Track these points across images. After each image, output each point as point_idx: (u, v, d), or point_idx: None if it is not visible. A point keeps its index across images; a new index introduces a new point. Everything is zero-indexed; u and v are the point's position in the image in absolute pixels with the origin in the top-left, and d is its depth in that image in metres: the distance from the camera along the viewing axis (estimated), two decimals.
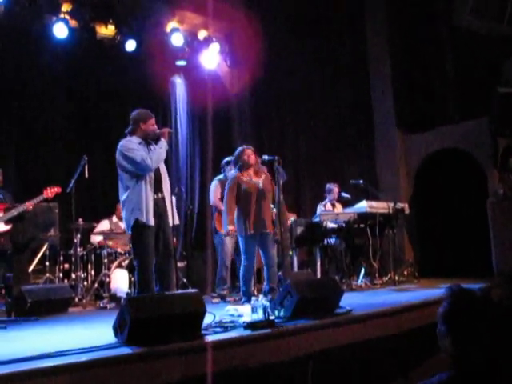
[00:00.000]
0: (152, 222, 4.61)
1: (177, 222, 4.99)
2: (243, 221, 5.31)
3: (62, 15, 7.72)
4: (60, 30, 7.69)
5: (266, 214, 5.29)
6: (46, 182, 6.31)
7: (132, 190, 4.62)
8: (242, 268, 5.38)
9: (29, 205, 5.87)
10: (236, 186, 5.37)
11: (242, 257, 5.39)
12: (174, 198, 4.97)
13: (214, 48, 9.26)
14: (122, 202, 4.72)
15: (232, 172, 5.56)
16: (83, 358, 2.78)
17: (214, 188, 6.66)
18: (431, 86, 8.71)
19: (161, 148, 4.67)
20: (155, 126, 4.82)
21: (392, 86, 8.85)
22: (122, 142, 4.73)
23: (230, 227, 5.38)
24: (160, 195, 4.74)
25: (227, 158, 6.60)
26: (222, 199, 6.40)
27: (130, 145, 4.67)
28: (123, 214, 4.73)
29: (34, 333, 4.21)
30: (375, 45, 9.04)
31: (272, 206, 5.50)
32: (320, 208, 7.74)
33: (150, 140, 4.74)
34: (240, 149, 5.53)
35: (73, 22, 7.89)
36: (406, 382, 4.13)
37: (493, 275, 7.06)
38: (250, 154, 5.44)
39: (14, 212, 5.79)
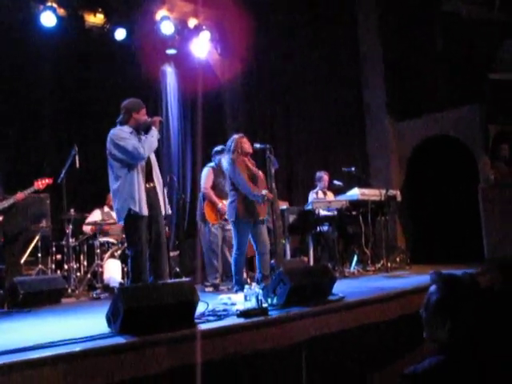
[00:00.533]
0: (145, 211, 4.61)
1: (169, 211, 4.99)
2: (241, 207, 5.28)
3: (49, 3, 7.62)
4: (47, 19, 7.60)
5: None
6: (37, 173, 6.29)
7: (124, 180, 4.61)
8: (233, 256, 5.38)
9: (20, 196, 5.84)
10: (241, 168, 5.30)
11: (234, 244, 5.39)
12: (165, 188, 4.96)
13: (205, 36, 9.20)
14: (114, 192, 4.71)
15: (231, 156, 5.46)
16: (77, 348, 2.78)
17: (207, 173, 6.52)
18: (422, 72, 8.71)
19: (152, 137, 4.65)
20: (145, 116, 4.80)
21: (383, 73, 8.85)
22: (113, 131, 4.71)
23: (264, 192, 5.19)
24: (151, 184, 4.74)
25: (218, 147, 6.58)
26: (213, 188, 6.39)
27: (122, 134, 4.66)
28: (115, 204, 4.72)
29: (26, 324, 4.20)
30: (366, 32, 9.02)
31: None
32: (312, 196, 7.76)
33: (141, 130, 4.73)
34: (236, 136, 5.50)
35: (60, 11, 7.80)
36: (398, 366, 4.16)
37: (484, 261, 7.12)
38: (245, 142, 5.43)
39: (5, 204, 5.76)
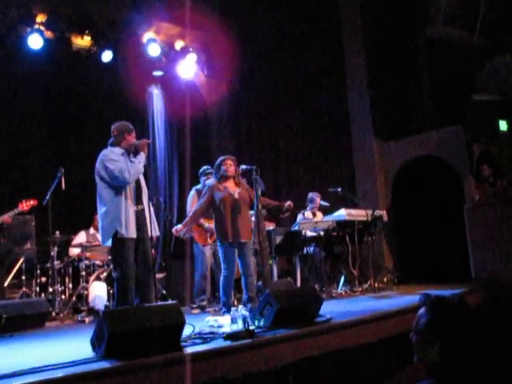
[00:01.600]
0: (132, 234, 4.59)
1: (157, 233, 4.98)
2: (220, 230, 5.30)
3: (36, 26, 7.65)
4: (35, 41, 7.61)
5: (242, 224, 5.29)
6: (22, 195, 6.23)
7: (111, 202, 4.60)
8: (222, 278, 5.35)
9: (6, 218, 5.78)
10: (210, 196, 5.36)
11: (222, 267, 5.36)
12: (152, 209, 4.94)
13: (191, 58, 9.27)
14: (101, 215, 4.69)
15: (209, 181, 5.56)
16: (59, 373, 2.72)
17: (191, 198, 6.62)
18: (407, 94, 8.83)
19: (140, 163, 4.66)
20: (134, 138, 4.82)
21: (369, 94, 8.93)
22: (104, 152, 4.73)
23: (179, 227, 5.45)
24: (140, 207, 4.72)
25: (204, 167, 6.61)
26: None
27: (112, 155, 4.67)
28: (100, 225, 4.70)
29: (8, 349, 4.13)
30: (352, 54, 9.12)
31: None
32: (299, 216, 7.76)
33: (131, 152, 4.74)
34: (220, 159, 5.53)
35: (48, 33, 7.83)
36: None
37: (471, 280, 7.14)
38: (229, 165, 5.43)
39: None
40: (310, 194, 7.87)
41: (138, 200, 4.72)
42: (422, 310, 2.01)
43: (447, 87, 8.13)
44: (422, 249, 8.14)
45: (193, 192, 6.66)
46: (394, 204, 8.76)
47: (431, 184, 8.15)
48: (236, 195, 5.35)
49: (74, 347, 3.74)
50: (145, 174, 4.93)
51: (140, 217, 4.68)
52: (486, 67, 7.82)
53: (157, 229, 4.96)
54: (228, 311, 4.92)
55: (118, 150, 4.75)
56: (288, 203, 5.55)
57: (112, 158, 4.64)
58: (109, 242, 4.65)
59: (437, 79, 8.44)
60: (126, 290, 4.56)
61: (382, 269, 7.91)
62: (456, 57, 7.95)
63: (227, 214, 5.28)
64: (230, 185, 5.42)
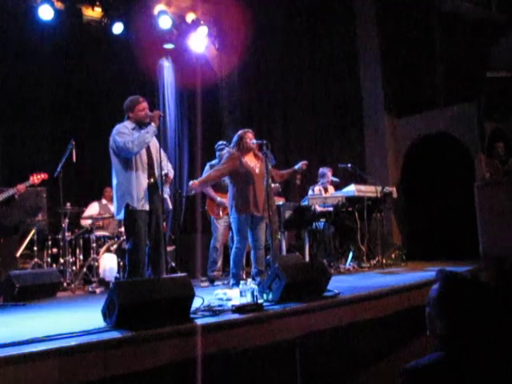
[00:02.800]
0: (143, 206, 4.64)
1: (170, 207, 5.02)
2: (239, 202, 5.31)
3: None
4: (45, 12, 7.58)
5: (259, 198, 5.31)
6: (34, 168, 6.27)
7: (122, 175, 4.67)
8: (234, 250, 5.41)
9: (20, 187, 5.83)
10: (231, 165, 5.35)
11: (235, 238, 5.42)
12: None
13: (202, 31, 9.19)
14: (114, 187, 4.77)
15: (230, 150, 5.54)
16: (72, 342, 2.78)
17: (206, 172, 6.61)
18: (420, 70, 8.71)
19: (147, 133, 4.66)
20: (145, 111, 4.81)
21: (381, 70, 8.84)
22: (117, 126, 4.80)
23: (195, 182, 5.44)
24: (152, 180, 4.74)
25: (220, 142, 6.63)
26: (213, 186, 6.43)
27: (122, 129, 4.73)
28: (114, 198, 4.76)
29: (22, 318, 4.20)
30: (364, 29, 9.00)
31: None
32: (310, 191, 7.75)
33: (143, 125, 4.75)
34: (242, 131, 5.53)
35: (58, 4, 7.79)
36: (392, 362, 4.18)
37: (479, 258, 7.15)
38: (251, 138, 5.44)
39: (1, 197, 5.74)
40: (321, 169, 7.84)
41: (150, 173, 4.75)
42: (435, 284, 2.03)
43: (460, 63, 8.02)
44: (430, 226, 8.13)
45: (207, 168, 6.66)
46: (404, 181, 8.74)
47: (441, 161, 8.11)
48: (257, 169, 5.37)
49: (86, 317, 3.80)
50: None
51: (152, 190, 4.72)
52: (500, 43, 7.69)
53: (169, 203, 5.00)
54: (237, 283, 4.97)
55: (129, 125, 4.79)
56: (301, 163, 5.57)
57: (122, 131, 4.70)
58: (121, 215, 4.71)
59: (450, 55, 8.32)
60: (137, 261, 4.63)
61: (391, 245, 7.93)
62: (470, 32, 7.82)
63: (249, 187, 5.30)
64: (250, 158, 5.44)
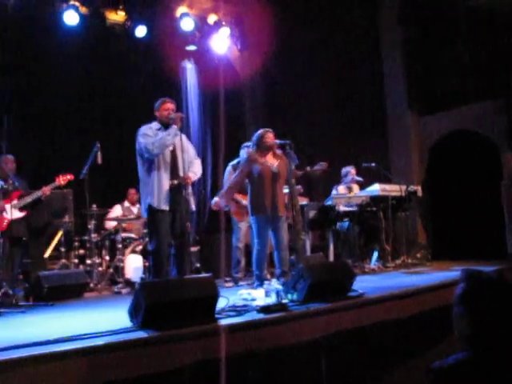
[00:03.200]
0: (165, 206, 4.69)
1: (193, 208, 5.05)
2: (257, 203, 5.31)
3: (72, 2, 7.71)
4: (70, 17, 7.69)
5: (278, 198, 5.30)
6: (60, 169, 6.36)
7: (146, 175, 4.76)
8: (254, 251, 5.40)
9: (45, 189, 5.93)
10: (250, 166, 5.36)
11: (255, 240, 5.41)
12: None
13: (224, 32, 9.21)
14: (140, 187, 4.85)
15: (248, 151, 5.55)
16: (99, 341, 2.82)
17: (228, 175, 6.64)
18: (445, 66, 8.58)
19: (168, 135, 4.70)
20: (168, 111, 4.87)
21: (404, 66, 8.75)
22: (142, 127, 4.87)
23: (216, 199, 5.46)
24: (176, 181, 4.78)
25: (246, 143, 6.66)
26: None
27: (146, 130, 4.81)
28: (141, 197, 4.86)
29: (51, 317, 4.29)
30: (388, 23, 8.91)
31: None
32: (333, 191, 7.72)
33: (168, 126, 4.81)
34: (262, 131, 5.53)
35: (83, 9, 7.89)
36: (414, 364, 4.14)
37: (507, 258, 7.03)
38: (271, 137, 5.44)
39: (29, 199, 5.85)
40: (344, 168, 7.81)
41: (173, 174, 4.79)
42: (460, 284, 2.02)
43: (488, 59, 7.88)
44: (456, 225, 8.02)
45: (229, 168, 6.69)
46: (429, 179, 8.64)
47: (468, 159, 7.98)
48: (275, 168, 5.36)
49: (112, 317, 3.85)
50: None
51: (175, 191, 4.75)
52: None
53: (192, 204, 5.03)
54: (261, 285, 4.98)
55: (155, 125, 4.89)
56: (322, 164, 5.58)
57: (145, 132, 4.78)
58: (145, 214, 4.79)
59: (477, 50, 8.18)
60: (160, 262, 4.69)
61: (416, 245, 7.85)
62: (498, 27, 7.67)
63: (266, 187, 5.29)
64: (269, 158, 5.43)
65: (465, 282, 1.98)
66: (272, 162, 5.41)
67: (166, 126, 4.82)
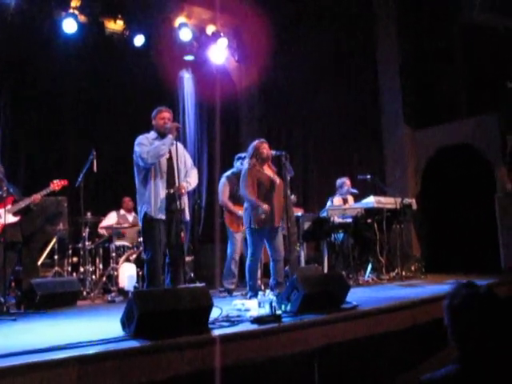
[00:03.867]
0: (161, 215, 4.68)
1: (187, 218, 5.03)
2: (253, 213, 5.29)
3: (71, 10, 7.75)
4: (69, 26, 7.72)
5: (276, 208, 5.29)
6: (55, 177, 6.34)
7: (142, 184, 4.77)
8: (248, 262, 5.38)
9: (36, 197, 5.90)
10: (255, 175, 5.33)
11: (249, 250, 5.39)
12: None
13: (222, 43, 9.25)
14: (137, 196, 4.84)
15: (247, 162, 5.51)
16: (91, 350, 2.80)
17: (222, 187, 6.64)
18: (440, 81, 8.66)
19: (163, 144, 4.70)
20: (164, 120, 4.87)
21: (400, 81, 8.81)
22: (139, 137, 4.86)
23: (265, 206, 5.21)
24: (172, 191, 4.77)
25: (241, 154, 6.66)
26: (230, 197, 6.44)
27: (142, 139, 4.82)
28: (137, 206, 4.85)
29: (42, 325, 4.24)
30: (384, 39, 8.99)
31: None
32: (329, 203, 7.72)
33: (164, 135, 4.81)
34: (257, 142, 5.51)
35: (82, 18, 7.92)
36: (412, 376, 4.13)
37: (500, 272, 7.04)
38: (267, 148, 5.43)
39: (22, 204, 5.82)
40: (339, 180, 7.81)
41: (169, 183, 4.78)
42: (448, 295, 2.02)
43: (482, 74, 7.95)
44: (450, 238, 8.04)
45: (223, 180, 6.68)
46: (424, 192, 8.66)
47: (462, 173, 8.02)
48: (274, 179, 5.35)
49: (105, 326, 3.82)
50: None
51: (171, 200, 4.74)
52: None
53: (187, 213, 4.99)
54: (255, 295, 4.97)
55: (151, 135, 4.89)
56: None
57: (141, 142, 4.79)
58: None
59: (471, 65, 8.25)
60: (154, 271, 4.67)
61: (410, 257, 7.85)
62: (492, 43, 7.75)
63: (266, 198, 5.28)
64: (266, 169, 5.43)
65: (453, 293, 1.98)
66: (269, 172, 5.41)
67: (162, 135, 4.82)
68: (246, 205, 5.44)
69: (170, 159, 4.82)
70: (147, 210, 4.69)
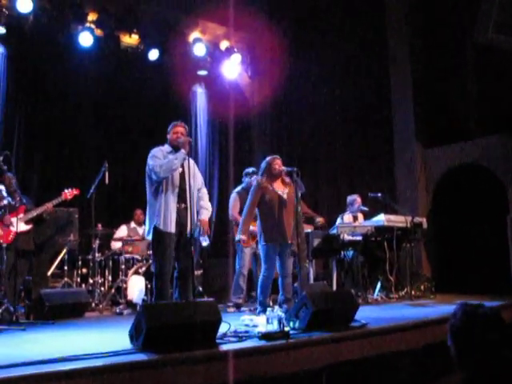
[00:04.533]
0: (171, 229, 4.69)
1: (196, 233, 5.02)
2: (265, 230, 5.30)
3: (87, 24, 7.87)
4: (85, 39, 7.84)
5: (287, 225, 5.30)
6: (67, 188, 6.39)
7: (153, 197, 4.79)
8: (261, 277, 5.37)
9: (48, 206, 5.96)
10: (260, 194, 5.36)
11: (263, 266, 5.37)
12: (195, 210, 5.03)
13: (236, 58, 9.33)
14: (147, 208, 4.86)
15: (258, 179, 5.54)
16: (99, 362, 2.81)
17: (233, 202, 6.67)
18: (453, 100, 8.65)
19: (176, 159, 4.73)
20: (177, 134, 4.91)
21: (413, 99, 8.81)
22: (153, 149, 4.90)
23: (243, 237, 5.39)
24: (183, 205, 4.79)
25: (249, 169, 6.68)
26: (240, 212, 6.45)
27: (156, 152, 4.86)
28: (146, 218, 4.86)
29: (51, 336, 4.27)
30: (397, 57, 9.02)
31: None
32: (339, 220, 7.71)
33: (177, 149, 4.85)
34: (270, 158, 5.54)
35: (98, 31, 8.04)
36: None
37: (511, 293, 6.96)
38: (279, 165, 5.45)
39: (34, 213, 5.87)
40: (350, 197, 7.80)
41: (180, 198, 4.80)
42: (453, 316, 2.00)
43: (495, 94, 7.95)
44: (461, 258, 7.97)
45: (234, 195, 6.71)
46: (435, 211, 8.62)
47: (473, 193, 7.97)
48: (285, 195, 5.37)
49: (113, 338, 3.83)
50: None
51: (182, 215, 4.76)
52: None
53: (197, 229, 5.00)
54: (264, 311, 4.95)
55: (166, 148, 4.93)
56: (319, 219, 5.56)
57: (155, 154, 4.82)
58: (150, 235, 4.78)
59: (485, 85, 8.24)
60: (163, 284, 4.67)
61: (420, 277, 7.78)
62: (505, 63, 7.76)
63: (275, 214, 5.28)
64: (277, 185, 5.44)
65: (456, 313, 1.96)
66: (281, 188, 5.43)
67: (176, 149, 4.86)
68: (258, 219, 5.45)
69: (182, 173, 4.85)
70: (157, 222, 4.70)
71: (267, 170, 5.43)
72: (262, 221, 5.36)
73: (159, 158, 4.78)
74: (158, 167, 4.69)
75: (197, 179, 5.02)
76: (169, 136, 4.97)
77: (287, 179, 5.49)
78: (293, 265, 5.43)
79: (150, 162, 4.79)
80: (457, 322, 1.94)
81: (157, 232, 4.71)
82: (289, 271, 5.35)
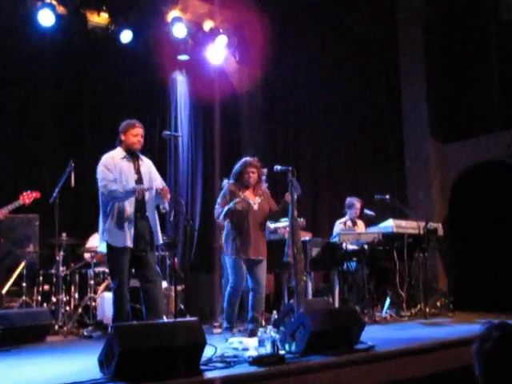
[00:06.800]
0: (125, 243, 4.78)
1: (159, 241, 5.09)
2: (232, 241, 5.42)
3: (48, 0, 7.81)
4: (45, 17, 7.77)
5: (257, 239, 5.38)
6: (26, 189, 6.34)
7: (106, 210, 4.82)
8: (228, 289, 5.48)
9: (2, 212, 5.91)
10: (229, 200, 5.43)
11: (230, 278, 5.47)
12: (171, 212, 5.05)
13: (221, 41, 9.32)
14: (100, 218, 4.89)
15: (229, 183, 5.62)
16: None
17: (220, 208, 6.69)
18: (473, 90, 8.68)
19: (121, 193, 4.79)
20: (137, 137, 4.93)
21: (427, 88, 8.85)
22: (104, 156, 4.91)
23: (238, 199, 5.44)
24: (140, 216, 4.84)
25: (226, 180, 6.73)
26: None
27: (107, 161, 4.92)
28: (99, 230, 4.92)
29: (6, 365, 4.23)
30: (407, 42, 9.06)
31: (285, 220, 5.54)
32: (339, 226, 7.73)
33: (133, 154, 4.86)
34: (242, 163, 5.61)
35: (60, 9, 7.97)
36: None
37: None
38: (252, 173, 5.50)
39: None
40: (349, 199, 7.84)
41: (139, 208, 4.86)
42: (479, 339, 2.00)
43: None
44: (483, 269, 8.02)
45: (217, 207, 6.75)
46: (452, 216, 8.67)
47: (496, 194, 8.02)
48: (256, 206, 5.43)
49: (79, 366, 3.82)
50: (163, 172, 5.08)
51: (140, 226, 4.83)
52: None
53: (159, 236, 5.06)
54: (230, 328, 5.07)
55: (118, 153, 4.96)
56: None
57: (106, 165, 4.90)
58: (102, 247, 4.95)
59: (508, 72, 8.30)
60: (120, 299, 4.83)
61: (435, 291, 7.83)
62: None
63: (244, 226, 5.41)
64: (249, 193, 5.50)
65: (484, 336, 1.96)
66: (252, 198, 5.50)
67: (131, 153, 4.87)
68: (225, 229, 5.55)
69: (138, 180, 4.89)
70: (110, 237, 4.79)
71: (239, 176, 5.50)
72: (229, 233, 5.51)
73: (109, 170, 4.83)
74: (103, 187, 4.77)
75: (157, 182, 5.06)
76: (124, 137, 4.95)
77: (262, 188, 5.55)
78: (288, 278, 5.47)
79: (98, 173, 4.88)
80: (485, 344, 1.93)
81: (110, 247, 4.86)
82: (262, 286, 5.46)
